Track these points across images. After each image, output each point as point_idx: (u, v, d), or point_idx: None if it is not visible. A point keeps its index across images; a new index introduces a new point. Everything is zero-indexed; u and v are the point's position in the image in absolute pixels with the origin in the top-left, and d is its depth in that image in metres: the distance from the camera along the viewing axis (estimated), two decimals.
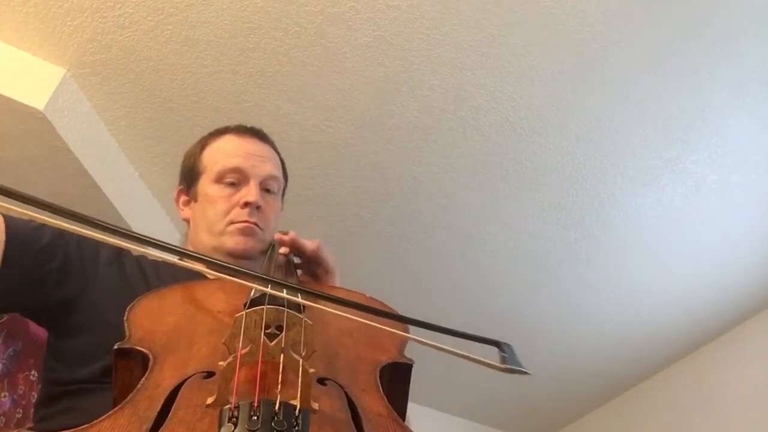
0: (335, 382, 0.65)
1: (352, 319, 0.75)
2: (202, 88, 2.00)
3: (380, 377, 0.70)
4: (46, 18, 1.81)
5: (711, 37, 1.78)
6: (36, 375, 2.19)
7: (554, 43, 1.81)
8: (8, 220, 0.86)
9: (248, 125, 1.14)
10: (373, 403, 0.64)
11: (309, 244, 1.04)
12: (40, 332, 2.21)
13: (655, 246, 2.45)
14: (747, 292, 2.64)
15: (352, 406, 0.62)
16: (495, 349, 0.74)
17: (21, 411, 2.11)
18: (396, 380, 0.75)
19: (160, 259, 1.02)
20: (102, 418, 0.55)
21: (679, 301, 2.71)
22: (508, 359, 0.72)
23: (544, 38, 1.80)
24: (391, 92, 1.98)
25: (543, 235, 2.44)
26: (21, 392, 2.11)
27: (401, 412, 0.70)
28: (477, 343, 0.76)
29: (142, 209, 2.34)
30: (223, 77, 1.97)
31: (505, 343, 0.75)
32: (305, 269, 1.07)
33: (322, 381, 0.64)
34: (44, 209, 0.59)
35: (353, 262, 2.54)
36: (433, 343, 0.70)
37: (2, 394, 2.03)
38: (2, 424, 2.01)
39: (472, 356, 0.70)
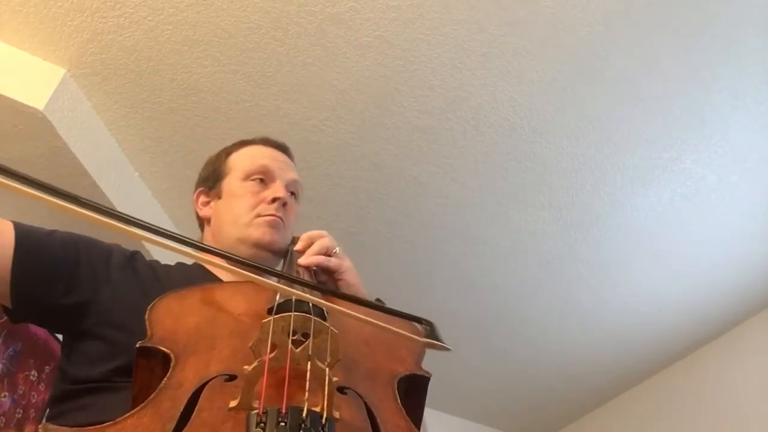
0: (354, 391, 0.65)
1: (370, 327, 0.75)
2: (202, 88, 2.00)
3: (397, 388, 0.70)
4: (46, 18, 1.81)
5: (711, 37, 1.78)
6: (36, 375, 2.19)
7: (554, 43, 1.81)
8: (17, 226, 0.86)
9: (273, 139, 1.18)
10: (391, 415, 0.64)
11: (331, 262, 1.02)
12: (40, 332, 2.21)
13: (655, 246, 2.45)
14: (747, 292, 2.64)
15: (371, 416, 0.62)
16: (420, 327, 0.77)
17: (21, 411, 2.11)
18: (412, 392, 0.74)
19: (173, 263, 1.04)
20: (125, 416, 0.55)
21: (679, 301, 2.71)
22: (430, 335, 0.74)
23: (544, 38, 1.80)
24: (391, 92, 1.98)
25: (543, 235, 2.44)
26: (21, 392, 2.11)
27: (417, 424, 0.70)
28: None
29: (142, 209, 2.34)
30: (223, 77, 1.97)
31: (427, 320, 0.78)
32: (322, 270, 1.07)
33: (341, 389, 0.64)
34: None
35: (353, 262, 2.54)
36: (362, 317, 0.72)
37: (2, 394, 2.03)
38: (2, 424, 2.01)
39: (396, 329, 0.72)
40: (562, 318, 2.84)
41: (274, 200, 1.04)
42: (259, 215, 1.04)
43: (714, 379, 2.84)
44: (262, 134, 1.21)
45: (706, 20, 1.73)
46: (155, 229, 0.64)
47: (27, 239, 0.87)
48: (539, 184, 2.25)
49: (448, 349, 0.71)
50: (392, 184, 2.29)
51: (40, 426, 0.53)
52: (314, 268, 1.03)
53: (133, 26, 1.83)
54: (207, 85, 2.00)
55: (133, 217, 0.64)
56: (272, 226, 1.04)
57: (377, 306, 0.79)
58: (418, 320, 0.78)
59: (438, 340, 0.72)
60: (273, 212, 1.04)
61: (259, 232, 1.03)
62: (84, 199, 0.60)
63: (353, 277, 1.06)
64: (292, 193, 1.11)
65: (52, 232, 0.91)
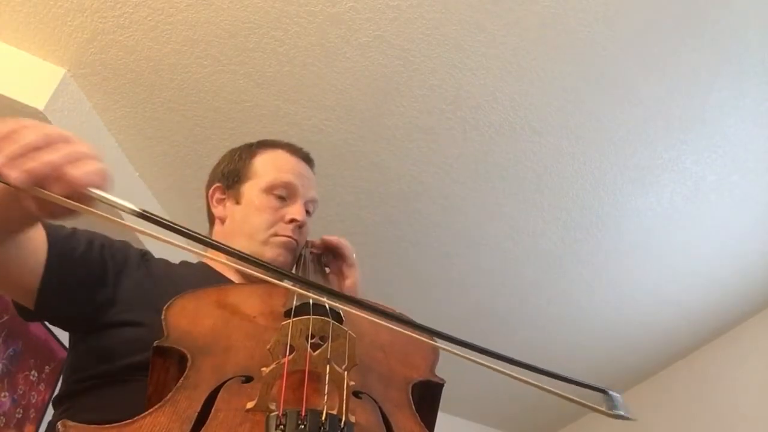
0: (369, 396, 0.65)
1: (386, 333, 0.75)
2: (202, 88, 2.00)
3: (411, 394, 0.70)
4: (46, 18, 1.81)
5: (711, 37, 1.78)
6: (36, 375, 2.19)
7: (554, 43, 1.81)
8: (47, 228, 0.86)
9: (299, 146, 1.18)
10: (406, 421, 0.64)
11: (334, 238, 1.11)
12: (40, 332, 2.21)
13: (655, 246, 2.45)
14: (747, 292, 2.64)
15: (386, 421, 0.62)
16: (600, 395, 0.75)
17: (21, 411, 2.11)
18: (426, 399, 0.75)
19: (178, 262, 1.04)
20: (143, 415, 0.56)
21: (679, 301, 2.71)
22: (616, 405, 0.73)
23: (544, 38, 1.80)
24: (391, 92, 1.98)
25: (543, 235, 2.44)
26: (21, 392, 2.11)
27: (430, 429, 0.71)
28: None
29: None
30: (223, 77, 1.97)
31: (611, 390, 0.75)
32: (331, 266, 1.11)
33: (357, 394, 0.64)
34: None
35: None
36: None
37: (2, 394, 2.03)
38: (2, 424, 2.01)
39: (577, 399, 0.70)
40: (562, 318, 2.84)
41: (291, 221, 1.04)
42: (276, 234, 1.04)
43: (714, 379, 2.84)
44: (264, 135, 1.21)
45: (706, 20, 1.73)
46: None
47: (58, 242, 0.86)
48: (539, 184, 2.25)
49: (633, 420, 0.70)
50: (392, 184, 2.29)
51: (59, 423, 0.53)
52: (323, 251, 1.09)
53: (133, 26, 1.83)
54: (207, 85, 2.00)
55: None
56: (287, 248, 1.04)
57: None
58: (603, 391, 0.74)
59: (624, 411, 0.70)
60: (289, 234, 1.04)
61: (273, 252, 1.03)
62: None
63: (353, 285, 1.09)
64: (308, 212, 1.10)
65: (74, 232, 0.91)
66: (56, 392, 0.91)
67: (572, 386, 0.74)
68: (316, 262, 1.08)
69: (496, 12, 1.74)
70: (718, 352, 2.88)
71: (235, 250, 0.68)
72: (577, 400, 0.71)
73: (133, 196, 2.29)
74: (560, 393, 0.71)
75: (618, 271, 2.58)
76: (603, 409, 0.72)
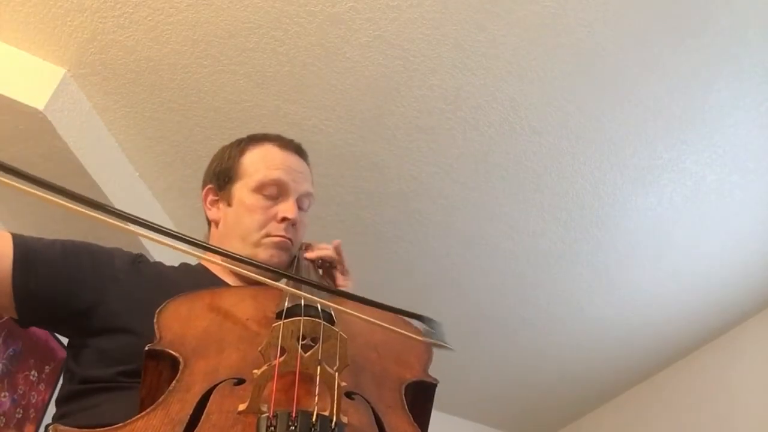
0: (362, 396, 0.65)
1: (379, 333, 0.75)
2: (202, 88, 2.00)
3: (404, 394, 0.70)
4: (46, 18, 1.81)
5: (711, 37, 1.78)
6: (36, 375, 2.19)
7: (554, 43, 1.81)
8: (16, 237, 0.87)
9: (288, 138, 1.14)
10: (399, 421, 0.64)
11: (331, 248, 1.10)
12: (40, 332, 2.21)
13: (655, 246, 2.45)
14: (747, 292, 2.64)
15: (378, 422, 0.62)
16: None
17: (21, 411, 2.11)
18: (419, 399, 0.75)
19: (178, 265, 1.04)
20: (135, 418, 0.56)
21: (679, 301, 2.71)
22: (433, 334, 0.76)
23: (544, 38, 1.80)
24: (391, 92, 1.97)
25: (543, 235, 2.44)
26: (21, 392, 2.11)
27: (424, 430, 0.71)
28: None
29: (142, 209, 2.34)
30: (223, 77, 1.97)
31: (431, 319, 0.79)
32: (326, 273, 1.11)
33: (349, 395, 0.64)
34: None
35: (353, 262, 2.53)
36: (363, 317, 0.74)
37: (2, 394, 2.03)
38: (2, 424, 2.01)
39: (403, 332, 0.74)
40: (562, 317, 2.84)
41: (284, 219, 1.02)
42: (268, 235, 1.02)
43: (714, 379, 2.84)
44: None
45: (706, 20, 1.73)
46: (163, 230, 0.64)
47: (26, 251, 0.87)
48: (539, 184, 2.25)
49: (451, 350, 0.72)
50: (392, 184, 2.29)
51: (50, 426, 0.53)
52: (319, 261, 1.08)
53: (133, 26, 1.83)
54: (207, 85, 2.00)
55: (143, 219, 0.64)
56: (280, 248, 1.02)
57: (380, 305, 0.79)
58: (421, 318, 0.78)
59: (442, 340, 0.73)
60: (282, 233, 1.02)
61: (266, 254, 1.01)
62: (98, 203, 0.61)
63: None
64: (301, 207, 1.07)
65: (53, 242, 0.92)
66: (56, 393, 0.92)
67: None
68: (313, 268, 1.07)
69: (496, 12, 1.74)
70: (718, 352, 2.88)
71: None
72: (398, 330, 0.75)
73: (133, 196, 2.29)
74: (382, 324, 0.75)
75: (618, 270, 2.58)
76: (419, 338, 0.75)
